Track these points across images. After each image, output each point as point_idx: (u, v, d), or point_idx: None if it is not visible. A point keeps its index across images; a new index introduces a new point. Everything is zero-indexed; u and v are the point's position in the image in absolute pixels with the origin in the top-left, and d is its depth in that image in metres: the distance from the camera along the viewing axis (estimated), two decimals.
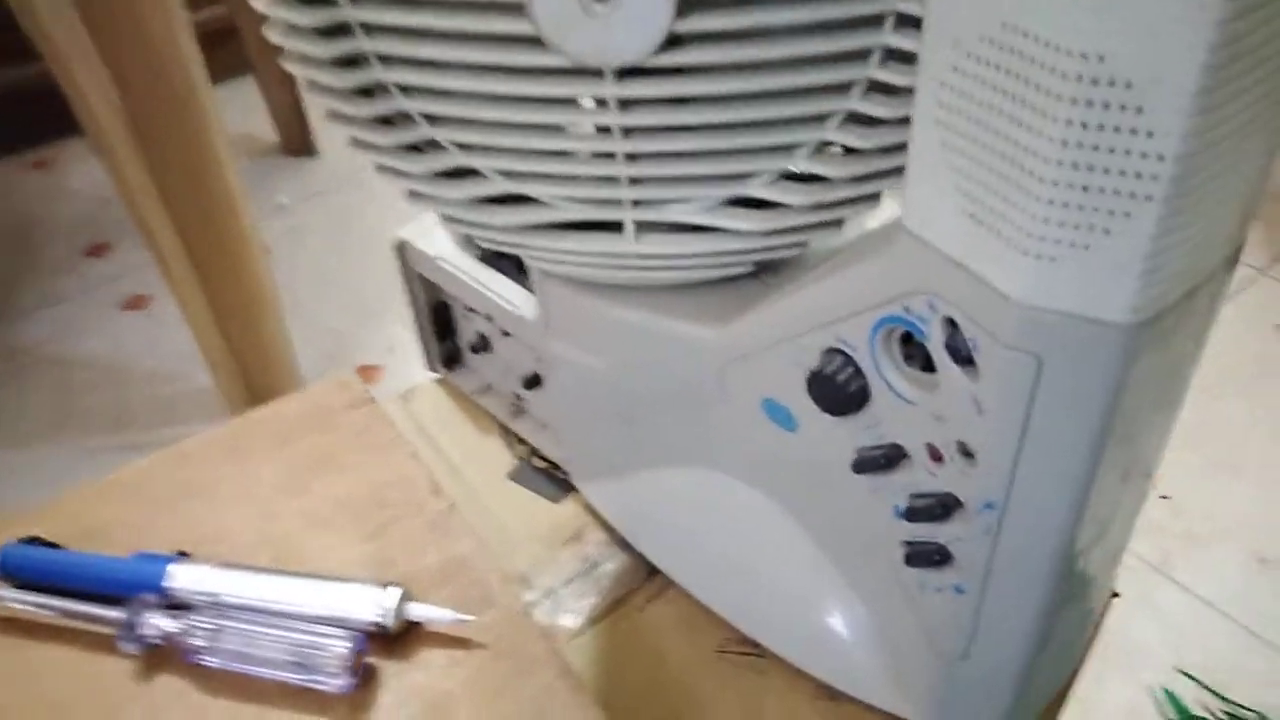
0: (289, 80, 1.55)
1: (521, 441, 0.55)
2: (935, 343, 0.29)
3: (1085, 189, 0.23)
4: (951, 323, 0.28)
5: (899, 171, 0.34)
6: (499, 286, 0.49)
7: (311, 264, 1.39)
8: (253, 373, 1.04)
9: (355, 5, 0.34)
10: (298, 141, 1.62)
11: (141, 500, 0.50)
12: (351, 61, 0.36)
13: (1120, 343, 0.25)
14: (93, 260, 1.45)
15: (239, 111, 1.61)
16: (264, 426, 0.54)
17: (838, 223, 0.37)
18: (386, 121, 0.38)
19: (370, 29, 0.35)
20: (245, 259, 0.97)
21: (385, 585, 0.41)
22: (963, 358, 0.28)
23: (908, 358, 0.31)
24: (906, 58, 0.31)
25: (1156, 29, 0.20)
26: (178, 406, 1.17)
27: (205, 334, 0.98)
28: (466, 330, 0.55)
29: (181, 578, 0.42)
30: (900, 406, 0.32)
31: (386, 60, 0.36)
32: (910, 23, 0.31)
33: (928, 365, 0.30)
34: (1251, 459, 1.01)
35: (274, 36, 0.37)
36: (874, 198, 0.36)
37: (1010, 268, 0.25)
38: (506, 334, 0.51)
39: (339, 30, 0.35)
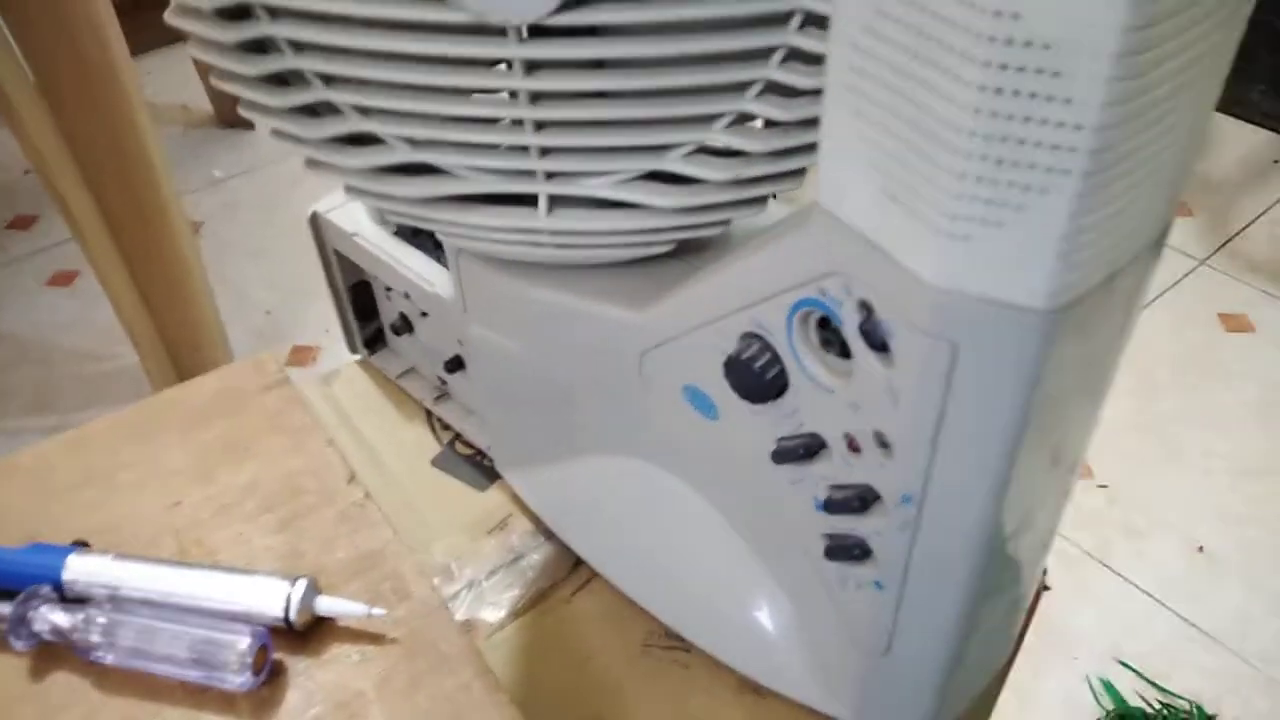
0: None
1: (446, 427, 0.53)
2: (850, 327, 0.27)
3: (999, 162, 0.21)
4: (867, 306, 0.26)
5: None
6: (416, 264, 0.46)
7: (246, 240, 1.34)
8: (181, 352, 1.00)
9: None
10: (233, 113, 1.57)
11: (38, 486, 0.47)
12: (238, 14, 0.33)
13: (1038, 329, 0.23)
14: (16, 233, 1.40)
15: (174, 81, 1.56)
16: (172, 409, 0.51)
17: (760, 200, 0.35)
18: (279, 81, 0.35)
19: None
20: (169, 233, 0.93)
21: (293, 578, 0.39)
22: (878, 343, 0.27)
23: (826, 343, 0.30)
24: (826, 24, 0.30)
25: None
26: (104, 386, 1.13)
27: (128, 311, 0.95)
28: (388, 310, 0.53)
29: (79, 569, 0.39)
30: (818, 394, 0.30)
31: (276, 13, 0.33)
32: None
33: (846, 351, 0.29)
34: (1190, 448, 1.02)
35: None
36: (797, 174, 0.34)
37: (924, 248, 0.24)
38: (426, 315, 0.49)
39: None
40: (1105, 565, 0.92)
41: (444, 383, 0.53)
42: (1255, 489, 0.97)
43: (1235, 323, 1.17)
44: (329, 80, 0.34)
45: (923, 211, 0.23)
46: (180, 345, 1.00)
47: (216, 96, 1.58)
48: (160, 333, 0.97)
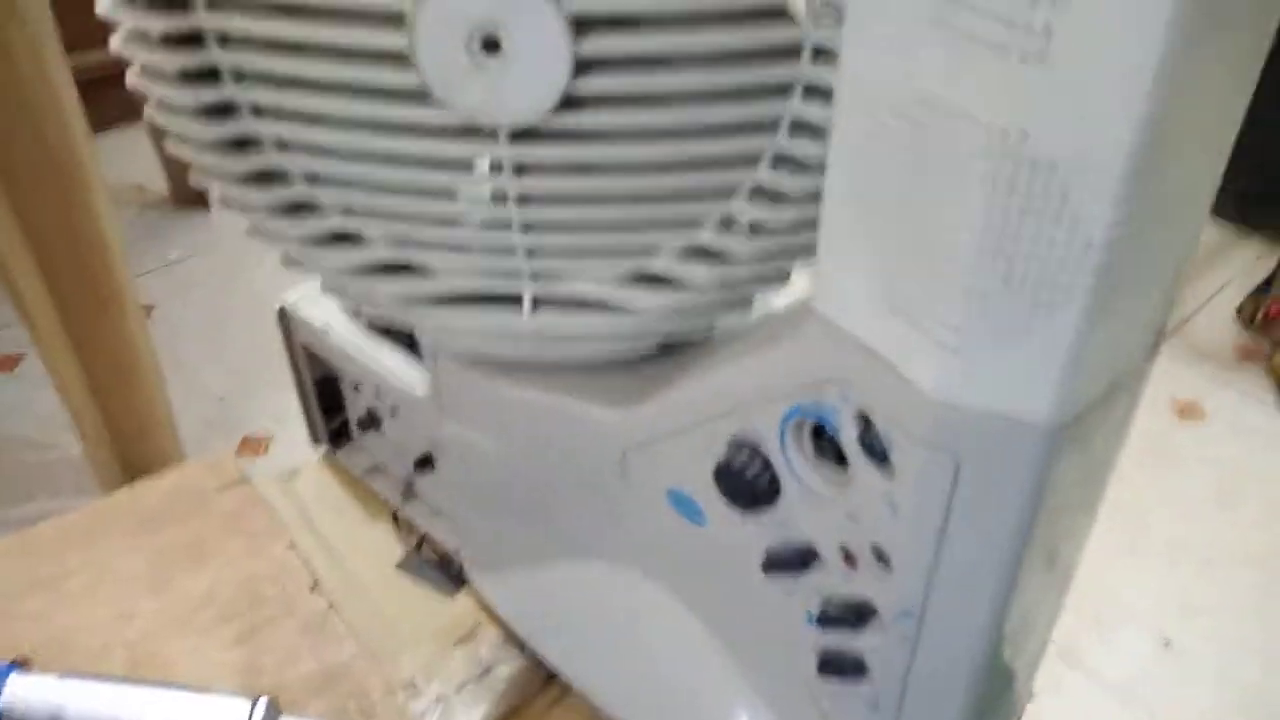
0: None
1: (412, 529, 0.51)
2: (848, 437, 0.27)
3: (1005, 279, 0.21)
4: (865, 417, 0.26)
5: (809, 250, 0.33)
6: (388, 360, 0.45)
7: (199, 323, 1.32)
8: (128, 441, 0.96)
9: (225, 48, 0.31)
10: (190, 193, 1.56)
11: None
12: (221, 110, 0.33)
13: (1041, 443, 0.23)
14: None
15: (128, 160, 1.54)
16: (124, 511, 0.49)
17: (745, 302, 0.35)
18: (261, 178, 0.34)
19: (242, 76, 0.32)
20: (122, 320, 0.90)
21: (252, 697, 0.36)
22: (877, 454, 0.26)
23: (820, 451, 0.29)
24: (816, 131, 0.30)
25: (1083, 107, 0.19)
26: (46, 477, 1.08)
27: (75, 398, 0.91)
28: (355, 405, 0.51)
29: (18, 692, 0.37)
30: (812, 504, 0.29)
31: (260, 111, 0.33)
32: (820, 94, 0.29)
33: (842, 459, 0.28)
34: (1155, 539, 1.02)
35: (134, 79, 0.33)
36: (783, 277, 0.34)
37: (927, 361, 0.23)
38: (396, 412, 0.47)
39: (207, 75, 0.32)
40: (1075, 662, 0.91)
41: (411, 482, 0.51)
42: (1220, 577, 0.98)
43: (1189, 410, 1.19)
44: (313, 178, 0.34)
45: (926, 325, 0.23)
46: (128, 435, 0.96)
47: (173, 177, 1.57)
48: (107, 422, 0.94)
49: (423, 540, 0.50)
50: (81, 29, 0.83)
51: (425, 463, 0.48)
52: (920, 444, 0.24)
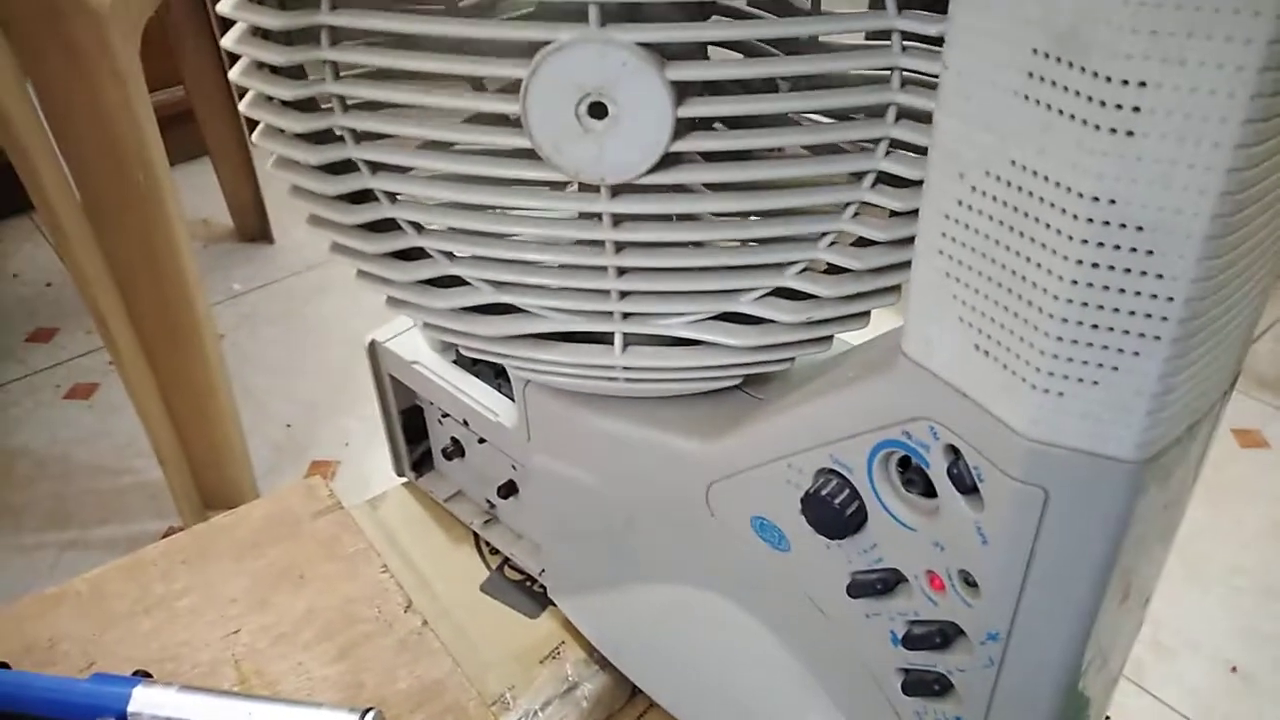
0: (246, 166, 1.55)
1: (494, 551, 0.53)
2: (938, 470, 0.29)
3: (1094, 327, 0.23)
4: (954, 450, 0.28)
5: (891, 291, 0.35)
6: (477, 393, 0.48)
7: (264, 352, 1.36)
8: (203, 467, 1.00)
9: (347, 113, 0.34)
10: (253, 227, 1.61)
11: (95, 613, 0.47)
12: (340, 168, 0.36)
13: (1127, 479, 0.25)
14: (36, 346, 1.41)
15: (194, 195, 1.60)
16: (227, 534, 0.52)
17: (827, 339, 0.37)
18: (372, 228, 0.37)
19: (361, 137, 0.35)
20: (200, 349, 0.94)
21: (359, 710, 0.39)
22: (966, 486, 0.28)
23: (907, 482, 0.31)
24: (901, 181, 0.32)
25: (1169, 176, 0.21)
26: (121, 501, 1.13)
27: (156, 426, 0.95)
28: (439, 435, 0.54)
29: (144, 702, 0.39)
30: (899, 531, 0.31)
31: (376, 168, 0.35)
32: (905, 147, 0.31)
33: (928, 489, 0.30)
34: (1218, 566, 1.02)
35: (262, 139, 0.36)
36: (863, 315, 0.36)
37: (1017, 401, 0.25)
38: (482, 441, 0.50)
39: (328, 136, 0.35)
40: (1139, 685, 0.91)
41: (492, 506, 0.53)
42: None
43: (1249, 439, 1.19)
44: (421, 229, 0.36)
45: (1016, 367, 0.25)
46: (204, 461, 1.00)
47: (237, 211, 1.62)
48: (185, 449, 0.98)
49: (505, 563, 0.53)
50: (152, 69, 0.88)
51: (509, 489, 0.50)
52: (1011, 478, 0.26)
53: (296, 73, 0.34)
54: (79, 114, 0.83)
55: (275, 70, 0.34)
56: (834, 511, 0.32)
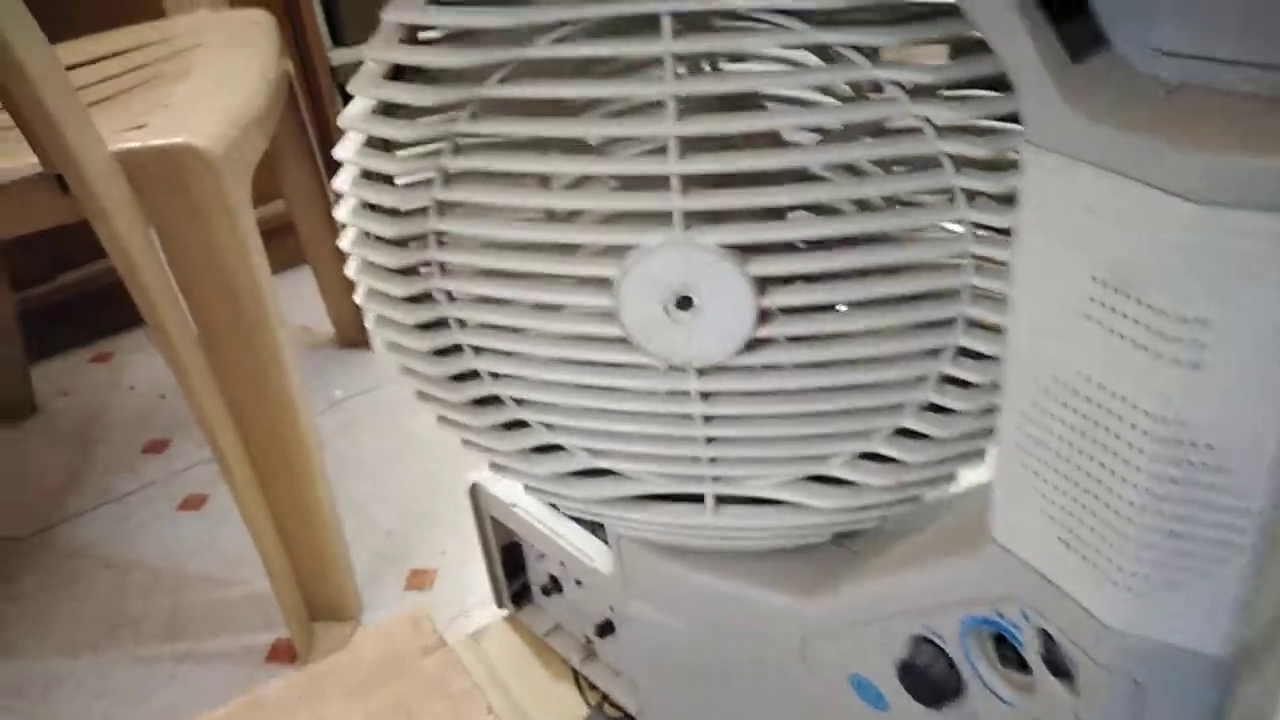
0: (345, 276, 1.62)
1: (593, 687, 0.55)
2: (1031, 652, 0.29)
3: (1174, 534, 0.24)
4: (1046, 634, 0.29)
5: (977, 455, 0.36)
6: (574, 538, 0.50)
7: (364, 460, 1.41)
8: (309, 578, 1.04)
9: (454, 303, 0.37)
10: (353, 334, 1.68)
11: None
12: (447, 351, 0.39)
13: (1218, 672, 0.25)
14: (150, 457, 1.49)
15: (296, 303, 1.68)
16: (340, 674, 0.54)
17: (915, 498, 0.38)
18: (477, 403, 0.40)
19: (467, 325, 0.38)
20: (305, 465, 0.99)
21: None
22: (1061, 670, 0.28)
23: (1003, 655, 0.31)
24: (981, 355, 0.33)
25: (1236, 403, 0.22)
26: (232, 613, 1.17)
27: (264, 538, 1.00)
28: (538, 571, 0.56)
29: None
30: (998, 705, 0.31)
31: (480, 351, 0.38)
32: (983, 326, 0.32)
33: (1025, 663, 0.31)
34: None
35: (372, 325, 0.40)
36: (950, 478, 0.37)
37: (1104, 596, 0.26)
38: (580, 583, 0.52)
39: (437, 325, 0.38)
40: None
41: (591, 643, 0.55)
42: None
43: None
44: (521, 403, 0.39)
45: (1100, 564, 0.26)
46: (309, 573, 1.04)
47: (338, 318, 1.69)
48: (292, 561, 1.02)
49: (604, 699, 0.54)
50: (254, 184, 0.94)
51: (606, 628, 0.51)
52: (1104, 668, 0.27)
53: (409, 272, 0.37)
54: (196, 254, 0.90)
55: (392, 274, 0.37)
56: (931, 682, 0.33)
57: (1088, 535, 0.26)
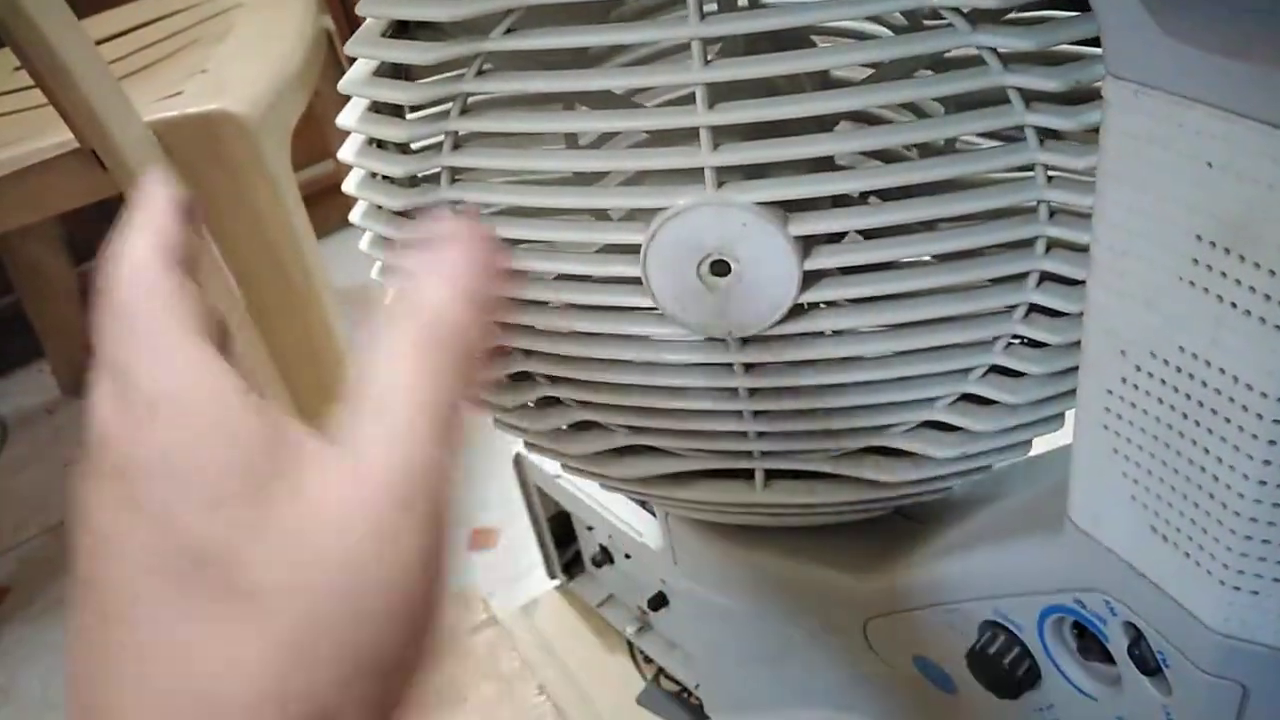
0: None
1: (649, 659, 0.53)
2: (1117, 646, 0.26)
3: None
4: (1134, 628, 0.25)
5: (1054, 419, 0.32)
6: (620, 510, 0.48)
7: None
8: None
9: None
10: None
11: None
12: None
13: None
14: None
15: (348, 263, 1.69)
16: None
17: (985, 468, 0.35)
18: (510, 380, 0.37)
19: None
20: None
21: None
22: (1150, 668, 0.25)
23: (1084, 646, 0.28)
24: (1056, 313, 0.29)
25: None
26: None
27: None
28: (588, 542, 0.54)
29: None
30: (1077, 697, 0.29)
31: (506, 326, 0.36)
32: (1060, 280, 0.29)
33: (1108, 654, 0.27)
34: None
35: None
36: (1024, 446, 0.34)
37: (1204, 592, 0.22)
38: (630, 555, 0.50)
39: None
40: None
41: (645, 613, 0.53)
42: None
43: None
44: (555, 380, 0.36)
45: (1200, 558, 0.22)
46: None
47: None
48: None
49: (660, 672, 0.52)
50: (300, 145, 0.93)
51: (659, 601, 0.49)
52: (1203, 671, 0.23)
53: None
54: (238, 222, 0.89)
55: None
56: (1004, 670, 0.30)
57: (1186, 526, 0.22)
